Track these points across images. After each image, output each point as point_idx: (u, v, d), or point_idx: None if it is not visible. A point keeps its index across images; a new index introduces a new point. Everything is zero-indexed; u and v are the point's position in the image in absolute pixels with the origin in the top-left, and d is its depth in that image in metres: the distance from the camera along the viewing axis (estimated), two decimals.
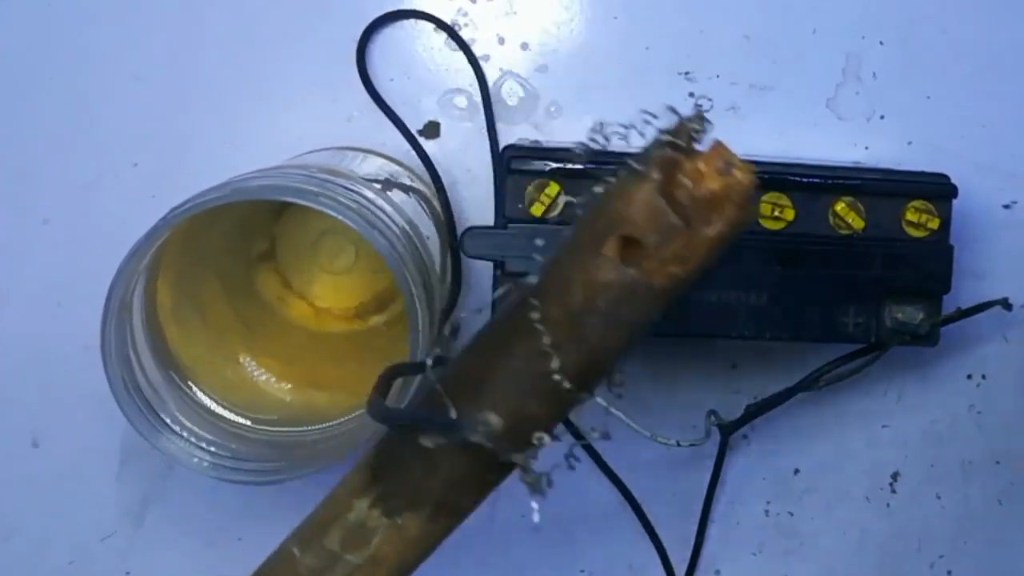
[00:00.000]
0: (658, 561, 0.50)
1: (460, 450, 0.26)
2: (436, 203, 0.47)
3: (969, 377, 0.50)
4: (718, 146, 0.25)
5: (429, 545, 0.27)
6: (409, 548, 0.27)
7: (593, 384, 0.27)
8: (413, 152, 0.48)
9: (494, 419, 0.26)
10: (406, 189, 0.44)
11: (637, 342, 0.27)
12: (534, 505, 0.27)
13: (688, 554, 0.50)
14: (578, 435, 0.28)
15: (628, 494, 0.49)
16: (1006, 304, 0.46)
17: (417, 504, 0.27)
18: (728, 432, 0.48)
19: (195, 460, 0.38)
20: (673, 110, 0.25)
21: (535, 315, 0.26)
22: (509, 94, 0.48)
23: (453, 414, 0.26)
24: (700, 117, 0.25)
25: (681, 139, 0.25)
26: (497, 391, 0.26)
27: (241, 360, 0.44)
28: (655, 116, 0.26)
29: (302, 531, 0.28)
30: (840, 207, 0.43)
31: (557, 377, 0.25)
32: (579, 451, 0.49)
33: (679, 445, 0.44)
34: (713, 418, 0.46)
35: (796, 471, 0.50)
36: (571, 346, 0.26)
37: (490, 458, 0.26)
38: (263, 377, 0.43)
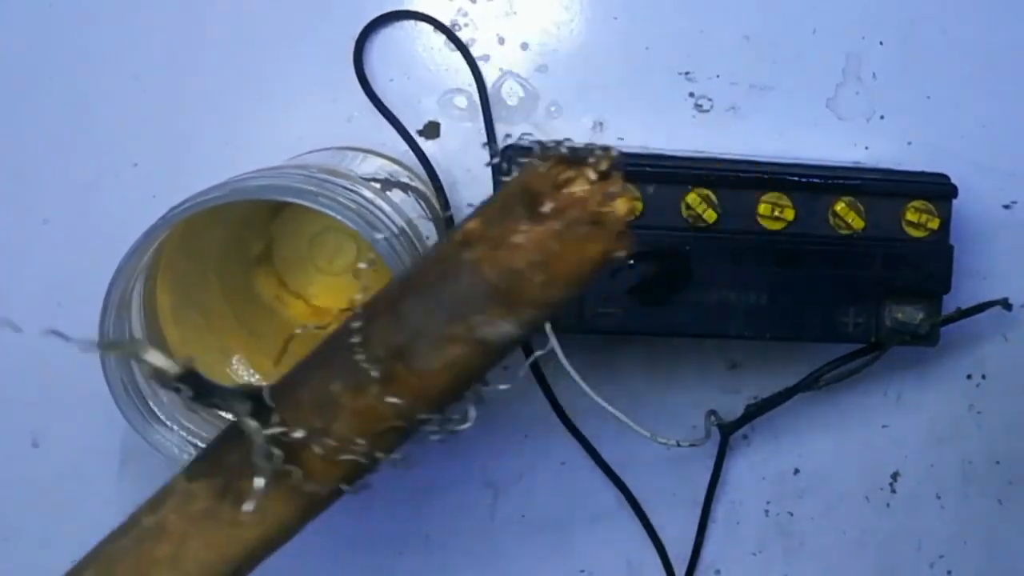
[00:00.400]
0: (658, 560, 0.50)
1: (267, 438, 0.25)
2: (436, 203, 0.47)
3: (969, 377, 0.50)
4: (612, 178, 0.24)
5: (214, 524, 0.26)
6: (193, 520, 0.26)
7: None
8: (412, 152, 0.48)
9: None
10: (405, 189, 0.44)
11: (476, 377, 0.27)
12: None
13: (688, 554, 0.50)
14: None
15: (627, 493, 0.49)
16: (1006, 304, 0.46)
17: (212, 475, 0.26)
18: (728, 432, 0.48)
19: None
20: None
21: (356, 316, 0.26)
22: (509, 94, 0.48)
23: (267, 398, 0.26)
24: (610, 153, 0.24)
25: (581, 155, 0.24)
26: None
27: (240, 360, 0.44)
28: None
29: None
30: (840, 207, 0.43)
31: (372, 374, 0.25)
32: (567, 452, 0.49)
33: (679, 445, 0.44)
34: (713, 418, 0.46)
35: (796, 471, 0.50)
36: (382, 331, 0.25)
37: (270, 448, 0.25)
38: (261, 377, 0.43)
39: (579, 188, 0.24)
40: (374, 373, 0.25)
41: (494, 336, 0.25)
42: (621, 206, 0.24)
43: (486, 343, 0.25)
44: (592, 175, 0.24)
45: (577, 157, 0.24)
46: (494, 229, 0.25)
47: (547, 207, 0.24)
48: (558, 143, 0.24)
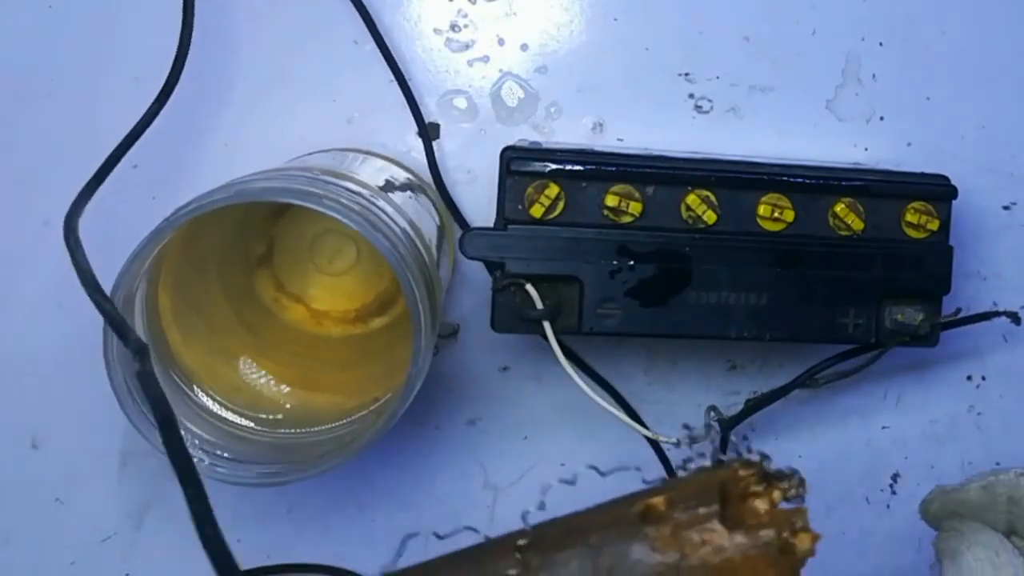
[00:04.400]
0: None
1: None
2: (436, 204, 0.47)
3: (969, 378, 0.51)
4: (799, 508, 0.24)
5: None
6: None
7: None
8: (413, 153, 0.48)
9: None
10: (406, 190, 0.44)
11: None
12: None
13: None
14: None
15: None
16: (1016, 318, 0.46)
17: None
18: (728, 427, 0.48)
19: (195, 461, 0.38)
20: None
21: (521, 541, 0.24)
22: (509, 95, 0.48)
23: None
24: (803, 483, 0.24)
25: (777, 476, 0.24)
26: None
27: (242, 362, 0.44)
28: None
29: None
30: (840, 208, 0.43)
31: None
32: (567, 452, 0.49)
33: (679, 444, 0.44)
34: (713, 414, 0.46)
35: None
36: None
37: None
38: (263, 379, 0.43)
39: (762, 505, 0.24)
40: None
41: None
42: (805, 541, 0.23)
43: None
44: (778, 498, 0.24)
45: (773, 475, 0.24)
46: (682, 514, 0.24)
47: (749, 519, 0.23)
48: (763, 456, 0.24)
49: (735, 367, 0.50)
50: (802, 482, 0.24)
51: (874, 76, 0.49)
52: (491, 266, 0.42)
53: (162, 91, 0.43)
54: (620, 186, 0.42)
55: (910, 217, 0.44)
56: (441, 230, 0.46)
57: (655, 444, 0.49)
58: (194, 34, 0.47)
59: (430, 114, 0.48)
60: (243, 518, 0.49)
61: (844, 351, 0.46)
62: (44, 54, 0.47)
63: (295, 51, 0.47)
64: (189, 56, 0.47)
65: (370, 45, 0.47)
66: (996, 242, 0.50)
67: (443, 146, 0.48)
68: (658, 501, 0.24)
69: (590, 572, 0.24)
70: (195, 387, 0.40)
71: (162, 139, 0.47)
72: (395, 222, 0.37)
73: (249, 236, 0.45)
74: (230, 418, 0.40)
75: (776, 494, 0.24)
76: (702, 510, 0.23)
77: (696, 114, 0.49)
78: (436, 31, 0.48)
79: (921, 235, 0.44)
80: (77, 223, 0.34)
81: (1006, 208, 0.50)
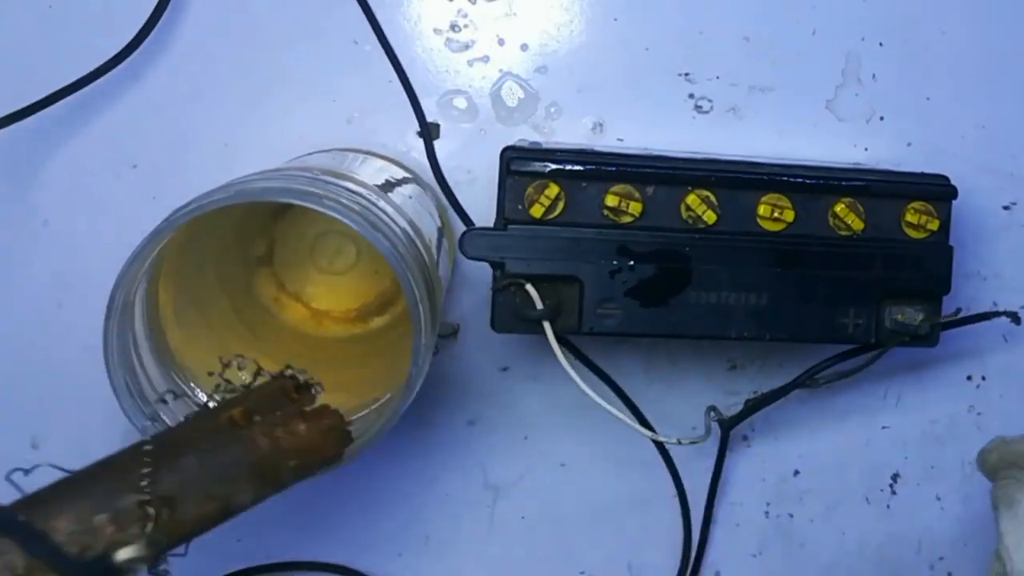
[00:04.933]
0: (657, 561, 0.50)
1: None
2: (436, 204, 0.47)
3: (969, 378, 0.51)
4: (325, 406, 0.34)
5: None
6: None
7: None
8: (413, 153, 0.48)
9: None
10: (407, 190, 0.44)
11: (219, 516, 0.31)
12: None
13: (691, 555, 0.50)
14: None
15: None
16: (1015, 318, 0.46)
17: None
18: (728, 427, 0.48)
19: None
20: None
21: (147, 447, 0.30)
22: (509, 95, 0.48)
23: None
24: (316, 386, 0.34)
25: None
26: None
27: (239, 358, 0.43)
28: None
29: None
30: (840, 208, 0.43)
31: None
32: (567, 452, 0.49)
33: (680, 443, 0.44)
34: (713, 414, 0.46)
35: (796, 472, 0.50)
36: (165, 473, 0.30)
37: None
38: (263, 379, 0.43)
39: (308, 402, 0.34)
40: (150, 510, 0.29)
41: (242, 503, 0.31)
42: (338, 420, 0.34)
43: (231, 507, 0.31)
44: (313, 396, 0.34)
45: (303, 384, 0.34)
46: (266, 416, 0.32)
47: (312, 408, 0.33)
48: (293, 369, 0.34)
49: (735, 367, 0.50)
50: (319, 386, 0.34)
51: (874, 76, 0.49)
52: (491, 266, 0.42)
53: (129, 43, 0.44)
54: (620, 186, 0.42)
55: (910, 217, 0.44)
56: (441, 230, 0.46)
57: (656, 444, 0.49)
58: (194, 34, 0.47)
59: (430, 114, 0.48)
60: (243, 518, 0.49)
61: (844, 351, 0.46)
62: (43, 52, 0.47)
63: (295, 51, 0.47)
64: (190, 56, 0.47)
65: (370, 45, 0.47)
66: (996, 242, 0.50)
67: (443, 146, 0.48)
68: (236, 412, 0.32)
69: (214, 467, 0.30)
70: (195, 386, 0.40)
71: (162, 139, 0.47)
72: (395, 222, 0.37)
73: (249, 236, 0.45)
74: None
75: (312, 392, 0.34)
76: (279, 413, 0.32)
77: (696, 114, 0.49)
78: (436, 31, 0.48)
79: (921, 235, 0.44)
80: None
81: (1006, 208, 0.50)
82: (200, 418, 0.33)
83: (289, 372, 0.34)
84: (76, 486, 0.30)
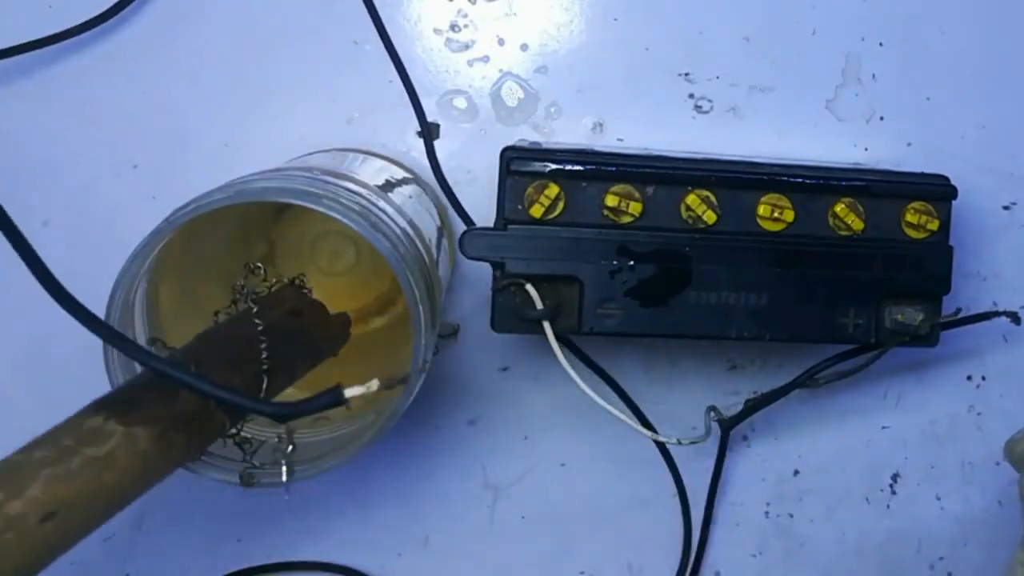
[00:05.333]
0: (657, 561, 0.50)
1: (194, 397, 0.32)
2: (436, 204, 0.47)
3: (969, 378, 0.51)
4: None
5: (155, 463, 0.31)
6: (138, 457, 0.31)
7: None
8: (413, 153, 0.48)
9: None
10: (407, 190, 0.44)
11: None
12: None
13: (690, 554, 0.50)
14: None
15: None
16: (1015, 318, 0.46)
17: (149, 423, 0.31)
18: (728, 427, 0.48)
19: (195, 462, 0.38)
20: None
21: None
22: (509, 95, 0.48)
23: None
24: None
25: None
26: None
27: None
28: None
29: (36, 439, 0.31)
30: (840, 208, 0.43)
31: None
32: (567, 452, 0.49)
33: (680, 443, 0.44)
34: (713, 414, 0.46)
35: (796, 472, 0.50)
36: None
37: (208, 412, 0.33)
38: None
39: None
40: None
41: (303, 373, 0.39)
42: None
43: (296, 377, 0.39)
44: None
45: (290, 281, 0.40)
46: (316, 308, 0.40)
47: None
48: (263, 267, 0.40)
49: (735, 367, 0.50)
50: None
51: (874, 76, 0.49)
52: (491, 266, 0.42)
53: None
54: (620, 186, 0.42)
55: (910, 217, 0.44)
56: (441, 230, 0.46)
57: (656, 444, 0.49)
58: (194, 34, 0.47)
59: (430, 114, 0.48)
60: (243, 518, 0.49)
61: (844, 351, 0.46)
62: (43, 52, 0.47)
63: (295, 51, 0.47)
64: (190, 56, 0.47)
65: (370, 45, 0.47)
66: (996, 242, 0.50)
67: (443, 146, 0.48)
68: (291, 307, 0.39)
69: (295, 343, 0.38)
70: None
71: (162, 139, 0.47)
72: (395, 222, 0.37)
73: (249, 236, 0.45)
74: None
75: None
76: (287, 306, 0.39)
77: (696, 114, 0.49)
78: (436, 31, 0.48)
79: (921, 235, 0.44)
80: None
81: (1006, 208, 0.50)
82: (269, 311, 0.37)
83: (298, 280, 0.40)
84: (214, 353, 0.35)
